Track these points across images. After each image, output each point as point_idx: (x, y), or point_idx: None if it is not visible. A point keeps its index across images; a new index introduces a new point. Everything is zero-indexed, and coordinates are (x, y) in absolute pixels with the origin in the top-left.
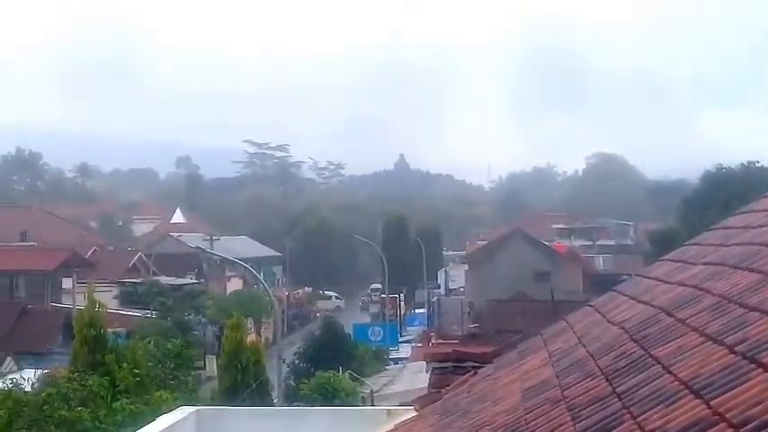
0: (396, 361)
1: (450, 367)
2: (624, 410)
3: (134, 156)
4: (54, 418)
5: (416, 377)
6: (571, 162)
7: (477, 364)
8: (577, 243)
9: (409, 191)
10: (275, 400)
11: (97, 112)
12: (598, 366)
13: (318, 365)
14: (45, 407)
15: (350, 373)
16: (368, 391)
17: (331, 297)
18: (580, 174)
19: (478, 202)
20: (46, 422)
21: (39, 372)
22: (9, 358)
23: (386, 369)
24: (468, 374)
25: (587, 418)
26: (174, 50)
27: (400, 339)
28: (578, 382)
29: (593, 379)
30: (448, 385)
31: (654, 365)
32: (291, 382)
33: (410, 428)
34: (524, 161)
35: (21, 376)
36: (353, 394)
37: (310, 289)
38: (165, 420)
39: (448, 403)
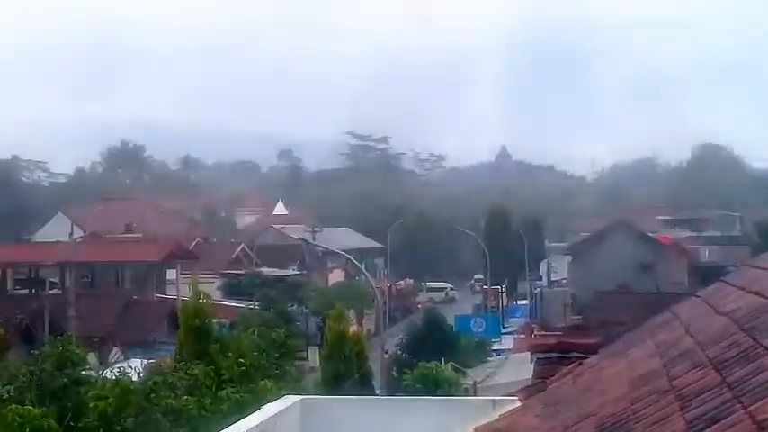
0: (498, 352)
1: (555, 358)
2: (734, 400)
3: (236, 148)
4: (161, 407)
5: (519, 368)
6: (675, 153)
7: (583, 355)
8: (682, 234)
9: (510, 182)
10: (378, 391)
11: (199, 105)
12: (707, 356)
13: (420, 356)
14: (152, 395)
15: (452, 365)
16: (471, 382)
17: (445, 289)
18: (684, 165)
19: (581, 193)
20: (153, 410)
21: (145, 361)
22: (116, 348)
23: (488, 360)
24: (573, 365)
25: (697, 407)
26: (275, 43)
27: (503, 331)
28: (687, 372)
29: (701, 369)
30: (552, 376)
31: (764, 355)
32: (394, 374)
33: (515, 419)
34: (627, 152)
35: (128, 365)
36: (456, 385)
37: (412, 280)
38: (271, 409)
39: (553, 393)
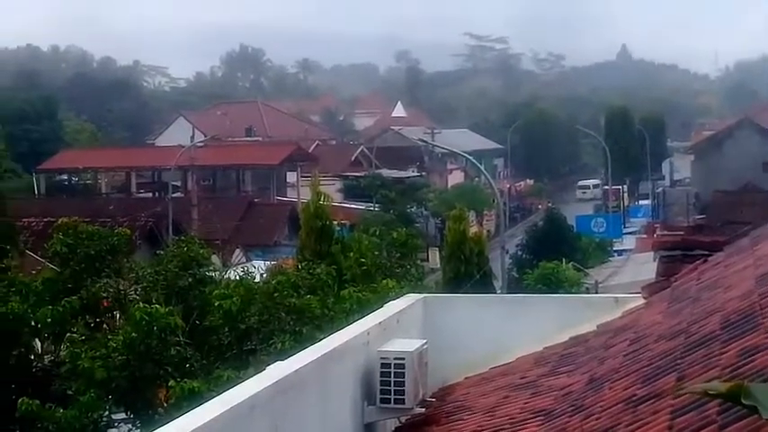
0: (619, 252)
1: (679, 255)
2: None
3: (354, 51)
4: (284, 305)
5: (641, 268)
6: None
7: (707, 252)
8: None
9: (632, 81)
10: (499, 291)
11: (317, 8)
12: None
13: (541, 257)
14: (275, 294)
15: (573, 264)
16: (592, 281)
17: (598, 186)
18: None
19: (704, 91)
20: (276, 308)
21: (266, 262)
22: (238, 250)
23: (609, 260)
24: (697, 262)
25: None
26: None
27: (624, 231)
28: None
29: None
30: (676, 273)
31: None
32: (514, 274)
33: (639, 315)
34: (753, 48)
35: (251, 266)
36: (577, 285)
37: (531, 181)
38: (394, 306)
39: (677, 290)
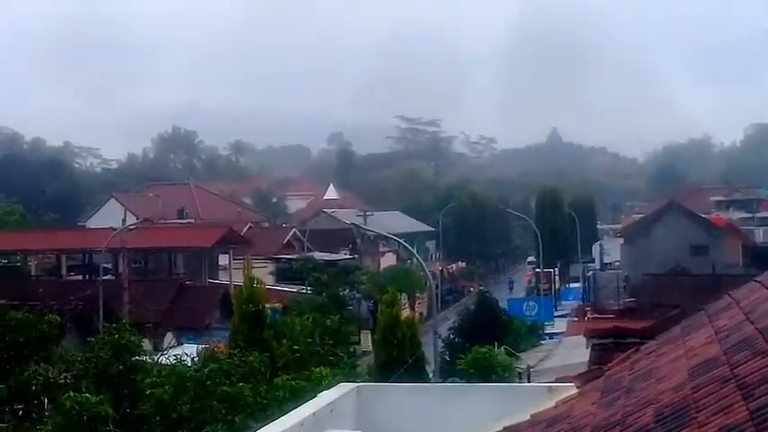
0: (551, 336)
1: (611, 343)
2: None
3: (286, 133)
4: (216, 394)
5: (572, 352)
6: (728, 133)
7: (639, 340)
8: (736, 216)
9: (562, 164)
10: (431, 376)
11: (249, 90)
12: None
13: (473, 340)
14: (208, 382)
15: (505, 349)
16: (524, 366)
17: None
18: (738, 144)
19: (633, 174)
20: (209, 397)
21: (199, 347)
22: (169, 333)
23: (541, 344)
24: (630, 351)
25: (760, 397)
26: (321, 28)
27: (555, 314)
28: (748, 361)
29: (763, 357)
30: (609, 362)
31: None
32: (447, 358)
33: (572, 406)
34: (680, 133)
35: (184, 352)
36: (510, 369)
37: (463, 263)
38: (327, 397)
39: (610, 380)
